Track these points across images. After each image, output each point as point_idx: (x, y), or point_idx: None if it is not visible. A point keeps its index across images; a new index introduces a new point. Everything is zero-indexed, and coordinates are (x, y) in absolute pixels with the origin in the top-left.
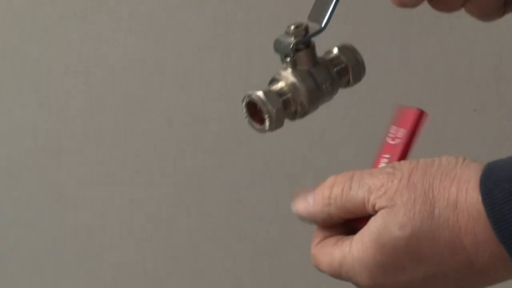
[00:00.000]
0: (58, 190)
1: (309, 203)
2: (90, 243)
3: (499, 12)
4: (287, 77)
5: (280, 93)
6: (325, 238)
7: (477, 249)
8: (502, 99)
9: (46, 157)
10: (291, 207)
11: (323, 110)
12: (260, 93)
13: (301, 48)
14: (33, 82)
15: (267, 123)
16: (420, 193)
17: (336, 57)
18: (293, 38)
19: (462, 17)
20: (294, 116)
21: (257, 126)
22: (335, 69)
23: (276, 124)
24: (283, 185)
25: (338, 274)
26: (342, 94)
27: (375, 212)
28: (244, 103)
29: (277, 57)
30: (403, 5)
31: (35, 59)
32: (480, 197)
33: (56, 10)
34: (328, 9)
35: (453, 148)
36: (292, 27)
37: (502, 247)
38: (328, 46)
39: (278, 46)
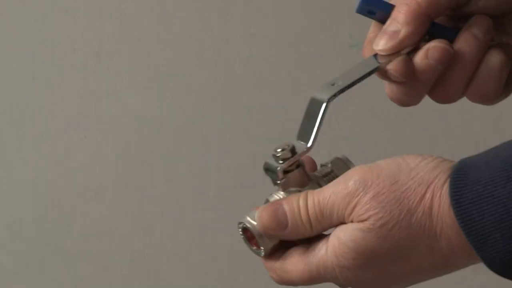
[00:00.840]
0: (58, 243)
1: (285, 228)
2: None
3: (502, 94)
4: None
5: None
6: (286, 250)
7: (452, 250)
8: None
9: (46, 210)
10: (256, 224)
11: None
12: (256, 225)
13: (290, 170)
14: (33, 135)
15: (262, 253)
16: (394, 203)
17: (330, 171)
18: (279, 162)
19: None
20: None
21: (254, 248)
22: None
23: (271, 252)
24: None
25: (315, 279)
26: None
27: (351, 221)
28: (240, 228)
29: (275, 113)
30: (405, 105)
31: (35, 112)
32: (451, 205)
33: (56, 64)
34: (314, 127)
35: None
36: (279, 150)
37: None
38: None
39: (267, 170)
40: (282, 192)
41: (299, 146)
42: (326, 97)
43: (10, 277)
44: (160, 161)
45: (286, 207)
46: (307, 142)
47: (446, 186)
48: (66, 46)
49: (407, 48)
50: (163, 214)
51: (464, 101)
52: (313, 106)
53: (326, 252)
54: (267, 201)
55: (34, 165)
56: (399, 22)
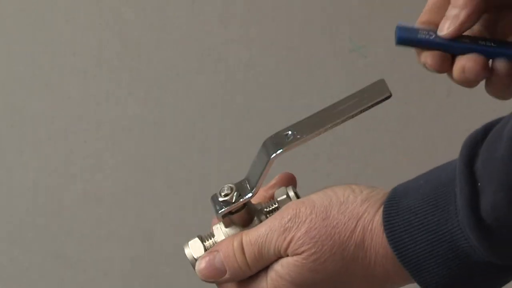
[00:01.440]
0: (58, 248)
1: (224, 274)
2: None
3: None
4: (219, 235)
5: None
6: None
7: (388, 276)
8: None
9: (46, 215)
10: (197, 273)
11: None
12: (189, 253)
13: (233, 212)
14: (33, 139)
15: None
16: (326, 238)
17: (276, 208)
18: (222, 203)
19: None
20: None
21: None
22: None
23: None
24: None
25: None
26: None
27: (286, 255)
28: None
29: (276, 117)
30: (465, 82)
31: (35, 116)
32: (384, 235)
33: (56, 68)
34: (258, 178)
35: None
36: (223, 193)
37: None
38: None
39: (212, 205)
40: (225, 229)
41: (245, 190)
42: (271, 152)
43: (10, 281)
44: (160, 166)
45: (222, 254)
46: (251, 188)
47: (378, 217)
48: (66, 50)
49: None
50: (163, 219)
51: (464, 106)
52: (262, 153)
53: (266, 284)
54: (211, 233)
55: (34, 169)
56: (458, 6)
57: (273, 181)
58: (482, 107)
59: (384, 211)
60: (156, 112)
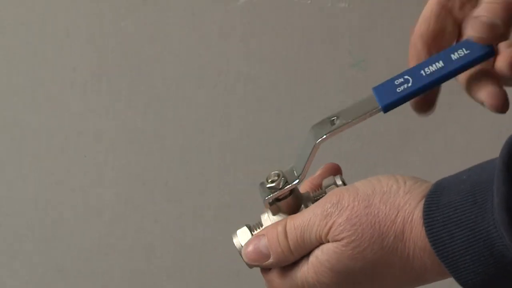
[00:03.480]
0: (58, 261)
1: (266, 255)
2: None
3: None
4: (267, 223)
5: None
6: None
7: (425, 269)
8: None
9: (46, 229)
10: (243, 257)
11: None
12: (237, 242)
13: (280, 198)
14: (33, 154)
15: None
16: (367, 226)
17: (323, 195)
18: (268, 191)
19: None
20: None
21: None
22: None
23: None
24: None
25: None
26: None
27: (327, 241)
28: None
29: (275, 131)
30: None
31: (35, 130)
32: (423, 229)
33: (56, 82)
34: (304, 163)
35: None
36: (269, 180)
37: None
38: None
39: (259, 192)
40: (273, 217)
41: (291, 176)
42: (318, 138)
43: None
44: (160, 179)
45: (267, 238)
46: (298, 174)
47: (418, 210)
48: (66, 63)
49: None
50: (163, 233)
51: (467, 118)
52: (309, 139)
53: (307, 269)
54: (259, 222)
55: (34, 182)
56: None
57: (319, 171)
58: (485, 120)
59: (425, 204)
60: (156, 125)
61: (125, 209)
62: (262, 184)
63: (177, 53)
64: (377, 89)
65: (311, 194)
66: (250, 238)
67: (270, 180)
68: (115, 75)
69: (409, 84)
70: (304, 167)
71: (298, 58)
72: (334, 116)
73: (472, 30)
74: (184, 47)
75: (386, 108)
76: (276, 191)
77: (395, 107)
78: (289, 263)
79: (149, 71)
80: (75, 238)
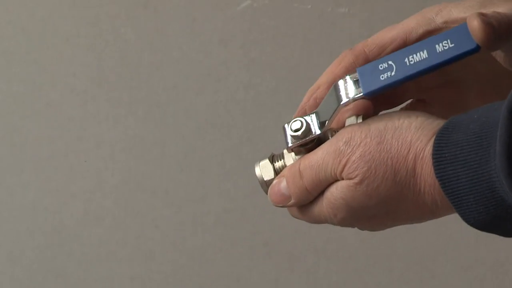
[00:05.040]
0: (59, 268)
1: (287, 197)
2: None
3: None
4: (288, 159)
5: (277, 172)
6: None
7: (436, 204)
8: None
9: (46, 235)
10: (269, 199)
11: None
12: (258, 173)
13: (303, 144)
14: (33, 160)
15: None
16: (379, 163)
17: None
18: (291, 138)
19: None
20: None
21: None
22: None
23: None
24: (282, 265)
25: (321, 222)
26: None
27: (342, 178)
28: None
29: (276, 136)
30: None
31: (35, 137)
32: (433, 166)
33: (56, 88)
34: (328, 116)
35: None
36: (292, 129)
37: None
38: None
39: (283, 135)
40: (294, 156)
41: (314, 125)
42: (345, 99)
43: None
44: (160, 186)
45: (285, 179)
46: (321, 126)
47: (429, 147)
48: (66, 70)
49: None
50: (163, 239)
51: None
52: (335, 92)
53: (324, 204)
54: (282, 154)
55: (34, 188)
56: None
57: (349, 106)
58: None
59: (435, 141)
60: (156, 132)
61: (125, 215)
62: (285, 128)
63: (177, 59)
64: (361, 71)
65: (332, 134)
66: (274, 182)
67: (293, 129)
68: (115, 82)
69: (392, 73)
70: (328, 121)
71: (299, 64)
72: (385, 67)
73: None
74: (184, 54)
75: (368, 95)
76: (298, 140)
77: (377, 94)
78: (308, 201)
79: (149, 77)
80: (75, 244)
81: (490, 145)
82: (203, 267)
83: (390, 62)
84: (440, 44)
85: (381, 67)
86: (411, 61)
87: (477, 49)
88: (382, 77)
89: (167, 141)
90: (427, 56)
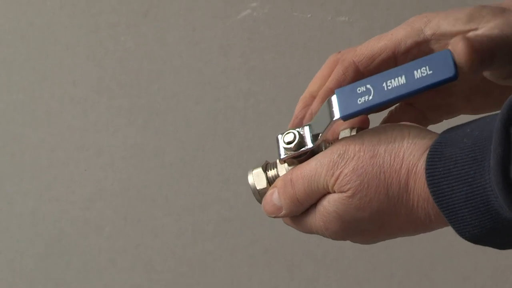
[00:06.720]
0: (58, 277)
1: (279, 207)
2: None
3: None
4: (281, 169)
5: (270, 181)
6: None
7: (430, 219)
8: None
9: (46, 244)
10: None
11: None
12: (251, 182)
13: (296, 156)
14: (33, 168)
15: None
16: (372, 177)
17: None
18: (283, 150)
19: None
20: None
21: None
22: None
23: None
24: (282, 273)
25: (312, 233)
26: None
27: (334, 191)
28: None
29: (275, 146)
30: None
31: (35, 145)
32: (426, 181)
33: (57, 97)
34: (321, 131)
35: None
36: (285, 141)
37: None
38: None
39: (276, 146)
40: (287, 166)
41: (307, 138)
42: (337, 115)
43: None
44: (160, 194)
45: (277, 189)
46: (314, 139)
47: (422, 161)
48: (66, 78)
49: None
50: (163, 248)
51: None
52: (329, 107)
53: (315, 217)
54: (275, 163)
55: (34, 197)
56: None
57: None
58: None
59: (428, 156)
60: (156, 140)
61: (125, 223)
62: (278, 139)
63: (177, 68)
64: (339, 93)
65: (325, 145)
66: (268, 192)
67: (286, 141)
68: (115, 90)
69: (370, 97)
70: (320, 136)
71: (298, 72)
72: (364, 91)
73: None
74: (184, 62)
75: (345, 118)
76: (290, 152)
77: (354, 117)
78: (299, 212)
79: (149, 86)
80: (75, 252)
81: (484, 159)
82: (203, 276)
83: (368, 86)
84: (419, 70)
85: (359, 90)
86: (389, 86)
87: (455, 77)
88: (360, 100)
89: (167, 150)
90: (405, 81)
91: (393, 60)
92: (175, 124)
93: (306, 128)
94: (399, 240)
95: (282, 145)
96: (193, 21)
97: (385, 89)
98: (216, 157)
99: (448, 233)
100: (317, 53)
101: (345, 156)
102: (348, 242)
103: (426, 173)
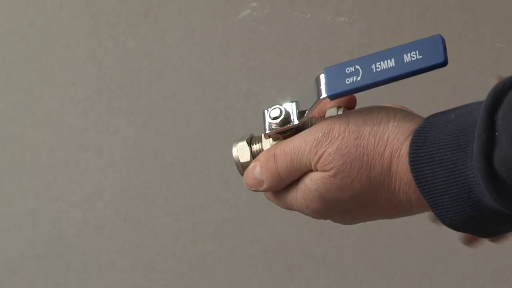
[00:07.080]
0: (58, 277)
1: (260, 181)
2: None
3: None
4: (266, 144)
5: (254, 155)
6: None
7: (411, 203)
8: None
9: (46, 244)
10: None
11: None
12: (235, 154)
13: (279, 132)
14: (33, 168)
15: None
16: (355, 158)
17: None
18: (269, 125)
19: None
20: None
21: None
22: None
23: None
24: (282, 273)
25: (293, 209)
26: None
27: (316, 169)
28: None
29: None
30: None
31: (35, 145)
32: (409, 164)
33: (57, 97)
34: (308, 108)
35: None
36: (271, 116)
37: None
38: None
39: (262, 119)
40: (272, 141)
41: (293, 115)
42: (324, 94)
43: None
44: (160, 194)
45: (259, 163)
46: (299, 117)
47: (406, 145)
48: (66, 78)
49: None
50: (163, 248)
51: None
52: (317, 85)
53: (296, 193)
54: (259, 137)
55: (34, 197)
56: None
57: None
58: None
59: (412, 140)
60: (156, 140)
61: (125, 223)
62: (264, 114)
63: (177, 68)
64: (328, 72)
65: (313, 122)
66: (250, 166)
67: (272, 117)
68: (115, 90)
69: (358, 78)
70: (307, 113)
71: (298, 73)
72: (352, 70)
73: None
74: (184, 62)
75: (332, 97)
76: (276, 128)
77: (341, 97)
78: (280, 188)
79: (149, 86)
80: (75, 252)
81: (467, 146)
82: (203, 276)
83: (357, 67)
84: (409, 54)
85: (347, 70)
86: (378, 68)
87: (444, 63)
88: (348, 81)
89: (167, 150)
90: (394, 65)
91: None
92: (175, 124)
93: (293, 105)
94: (399, 240)
95: (268, 120)
96: (193, 21)
97: (374, 71)
98: (216, 157)
99: (448, 233)
100: (317, 53)
101: (330, 136)
102: (348, 242)
103: (409, 157)
